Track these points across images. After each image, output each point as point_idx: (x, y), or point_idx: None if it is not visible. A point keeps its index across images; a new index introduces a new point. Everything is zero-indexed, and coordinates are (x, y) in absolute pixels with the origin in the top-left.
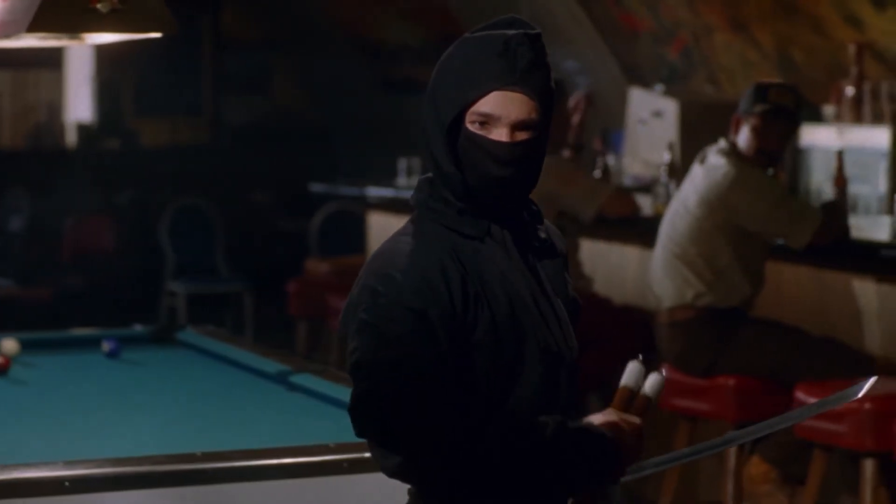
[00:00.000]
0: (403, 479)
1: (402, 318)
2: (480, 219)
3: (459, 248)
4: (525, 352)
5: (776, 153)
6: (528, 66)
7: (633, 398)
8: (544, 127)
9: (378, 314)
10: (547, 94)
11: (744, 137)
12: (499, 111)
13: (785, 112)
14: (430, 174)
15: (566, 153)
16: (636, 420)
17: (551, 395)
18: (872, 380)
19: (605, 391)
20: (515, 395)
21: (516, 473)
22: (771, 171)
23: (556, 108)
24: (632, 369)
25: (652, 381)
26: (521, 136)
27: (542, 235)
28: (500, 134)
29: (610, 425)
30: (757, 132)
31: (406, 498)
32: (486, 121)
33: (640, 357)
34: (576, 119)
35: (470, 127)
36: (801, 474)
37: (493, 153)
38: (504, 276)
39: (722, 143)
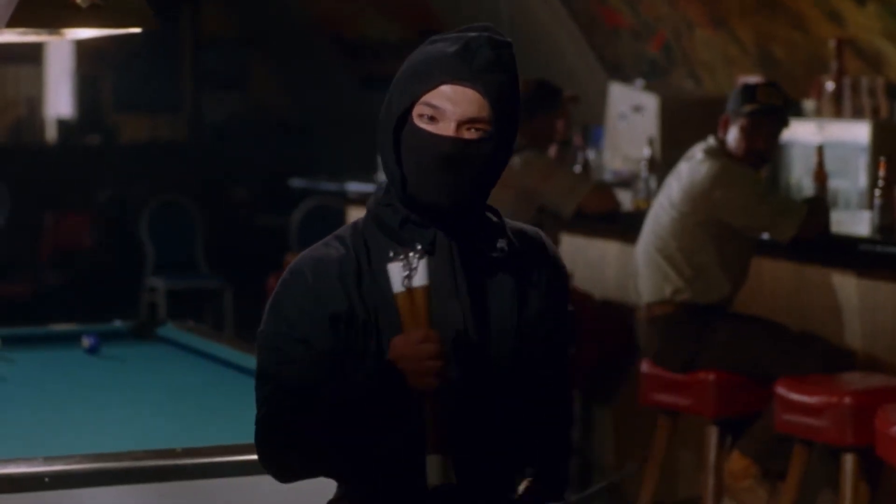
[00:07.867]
0: None
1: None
2: (426, 229)
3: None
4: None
5: (766, 152)
6: (485, 67)
7: (411, 297)
8: (499, 132)
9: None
10: (504, 101)
11: (733, 137)
12: (446, 104)
13: (773, 111)
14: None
15: (552, 150)
16: (415, 327)
17: (413, 427)
18: None
19: (586, 387)
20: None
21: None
22: (763, 171)
23: (544, 112)
24: (393, 272)
25: (420, 270)
26: (469, 134)
27: (500, 248)
28: (446, 128)
29: (391, 348)
30: (746, 132)
31: None
32: (434, 115)
33: (395, 254)
34: (561, 124)
35: (417, 121)
36: (781, 469)
37: (434, 146)
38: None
39: (711, 140)
